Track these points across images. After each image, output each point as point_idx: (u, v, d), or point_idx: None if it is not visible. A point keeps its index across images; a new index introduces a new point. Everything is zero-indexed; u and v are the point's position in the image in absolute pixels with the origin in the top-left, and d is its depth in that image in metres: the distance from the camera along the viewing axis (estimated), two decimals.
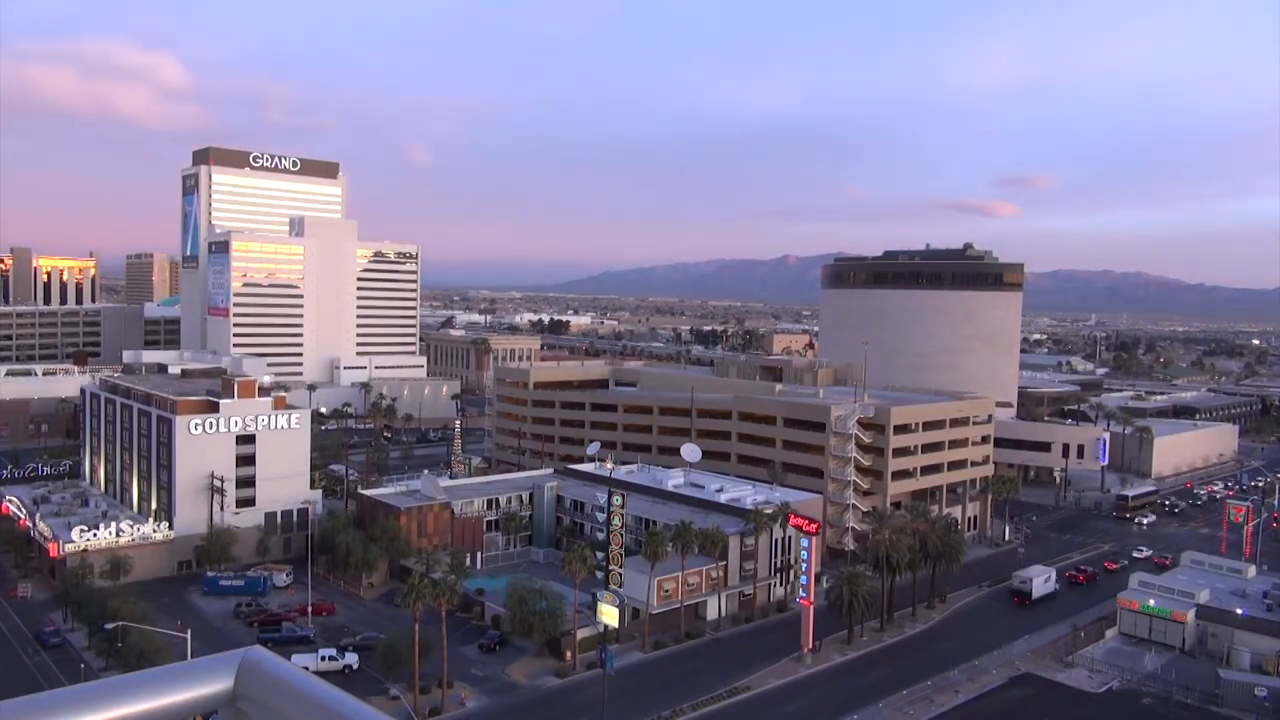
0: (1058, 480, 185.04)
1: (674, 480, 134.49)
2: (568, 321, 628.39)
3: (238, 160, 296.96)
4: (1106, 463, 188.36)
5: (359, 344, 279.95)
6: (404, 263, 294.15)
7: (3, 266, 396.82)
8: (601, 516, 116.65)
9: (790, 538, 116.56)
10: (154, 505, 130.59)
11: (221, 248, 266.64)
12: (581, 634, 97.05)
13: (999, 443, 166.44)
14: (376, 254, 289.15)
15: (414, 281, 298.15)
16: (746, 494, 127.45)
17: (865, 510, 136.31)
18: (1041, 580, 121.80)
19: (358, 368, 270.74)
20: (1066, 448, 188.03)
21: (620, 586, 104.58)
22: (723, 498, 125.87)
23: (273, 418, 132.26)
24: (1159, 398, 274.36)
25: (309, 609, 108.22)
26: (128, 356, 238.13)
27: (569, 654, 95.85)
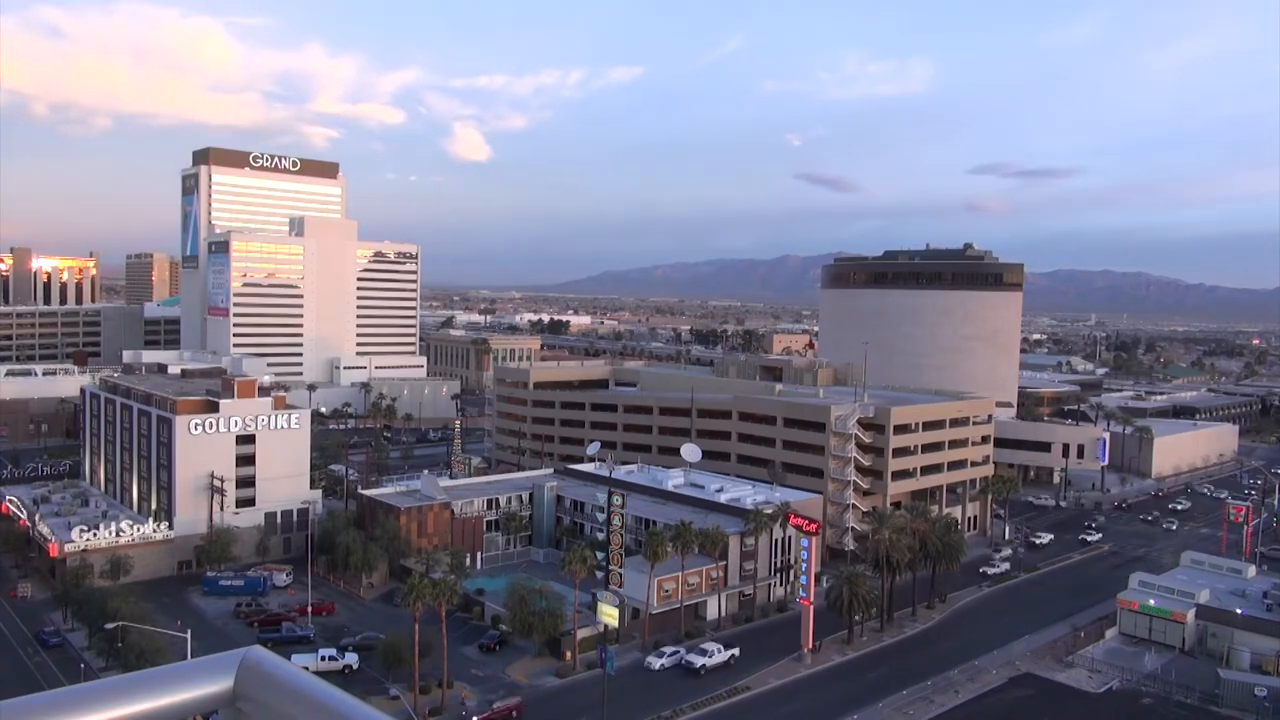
0: (1057, 480, 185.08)
1: (674, 480, 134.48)
2: (568, 321, 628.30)
3: (237, 160, 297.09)
4: (1106, 463, 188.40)
5: (359, 344, 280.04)
6: (404, 263, 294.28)
7: (3, 268, 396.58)
8: (601, 516, 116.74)
9: (790, 538, 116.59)
10: (154, 505, 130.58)
11: (221, 248, 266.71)
12: (581, 634, 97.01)
13: (999, 443, 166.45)
14: (376, 254, 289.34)
15: (414, 281, 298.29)
16: (746, 494, 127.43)
17: (865, 510, 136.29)
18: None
19: (358, 368, 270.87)
20: (1066, 448, 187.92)
21: (620, 586, 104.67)
22: (723, 498, 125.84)
23: (273, 418, 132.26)
24: (1159, 398, 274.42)
25: (309, 609, 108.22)
26: (128, 356, 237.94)
27: (569, 654, 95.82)
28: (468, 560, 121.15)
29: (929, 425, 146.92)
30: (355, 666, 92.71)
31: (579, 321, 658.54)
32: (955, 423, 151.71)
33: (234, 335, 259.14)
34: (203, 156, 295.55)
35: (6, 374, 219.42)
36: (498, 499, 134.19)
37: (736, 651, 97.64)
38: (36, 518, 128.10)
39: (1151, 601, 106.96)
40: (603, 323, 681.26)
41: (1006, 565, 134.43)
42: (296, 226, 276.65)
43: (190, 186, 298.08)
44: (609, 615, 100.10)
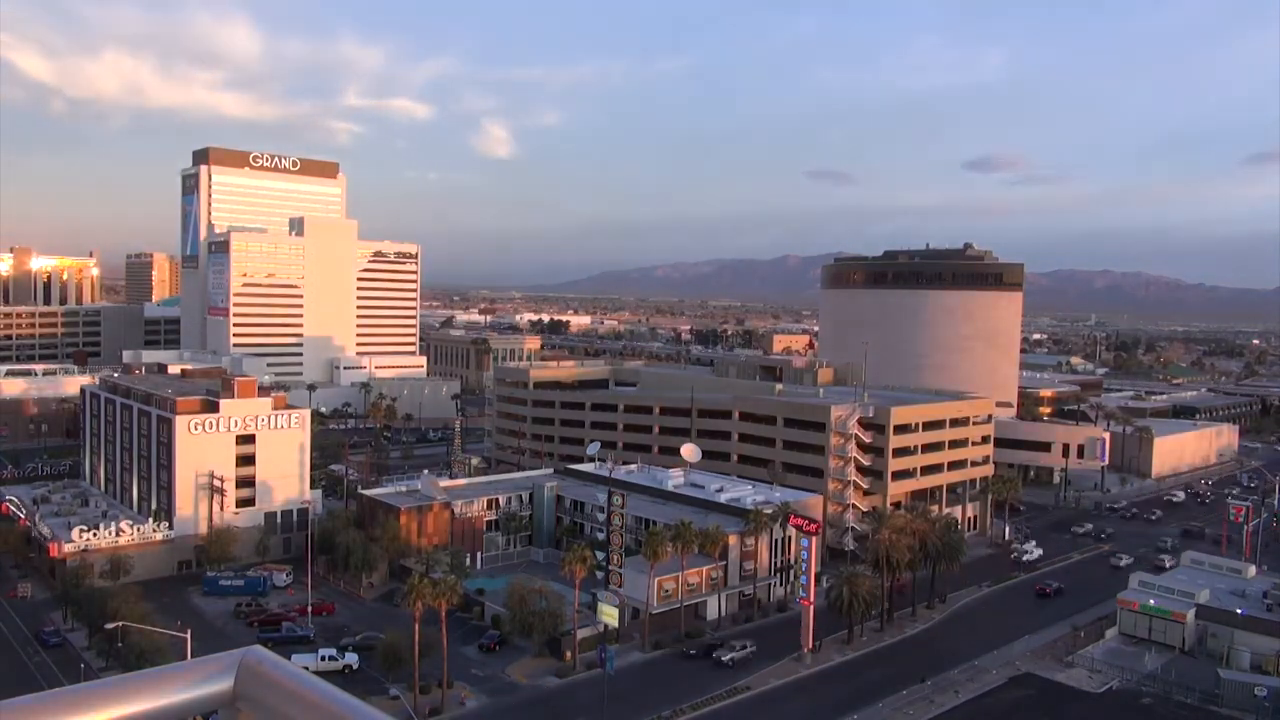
0: (1057, 480, 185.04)
1: (674, 480, 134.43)
2: (568, 321, 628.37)
3: (237, 160, 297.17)
4: (1106, 462, 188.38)
5: (359, 344, 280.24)
6: (404, 262, 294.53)
7: (4, 267, 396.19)
8: (601, 516, 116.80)
9: (790, 538, 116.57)
10: (154, 505, 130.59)
11: (221, 247, 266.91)
12: (581, 634, 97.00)
13: (999, 443, 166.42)
14: (376, 253, 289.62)
15: (414, 281, 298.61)
16: (746, 494, 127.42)
17: (865, 510, 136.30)
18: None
19: (358, 368, 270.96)
20: (1066, 448, 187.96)
21: (620, 586, 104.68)
22: (723, 498, 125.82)
23: (273, 417, 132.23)
24: (1159, 398, 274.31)
25: (309, 609, 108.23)
26: (128, 356, 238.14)
27: (569, 654, 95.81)
28: (468, 560, 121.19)
29: (929, 425, 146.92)
30: (355, 666, 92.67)
31: (579, 321, 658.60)
32: (955, 423, 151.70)
33: (234, 335, 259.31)
34: (202, 156, 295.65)
35: (6, 374, 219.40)
36: (498, 499, 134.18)
37: None
38: (36, 518, 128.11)
39: (1151, 601, 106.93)
40: (603, 323, 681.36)
41: (1040, 552, 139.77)
42: (296, 226, 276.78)
43: (190, 186, 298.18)
44: (609, 615, 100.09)
